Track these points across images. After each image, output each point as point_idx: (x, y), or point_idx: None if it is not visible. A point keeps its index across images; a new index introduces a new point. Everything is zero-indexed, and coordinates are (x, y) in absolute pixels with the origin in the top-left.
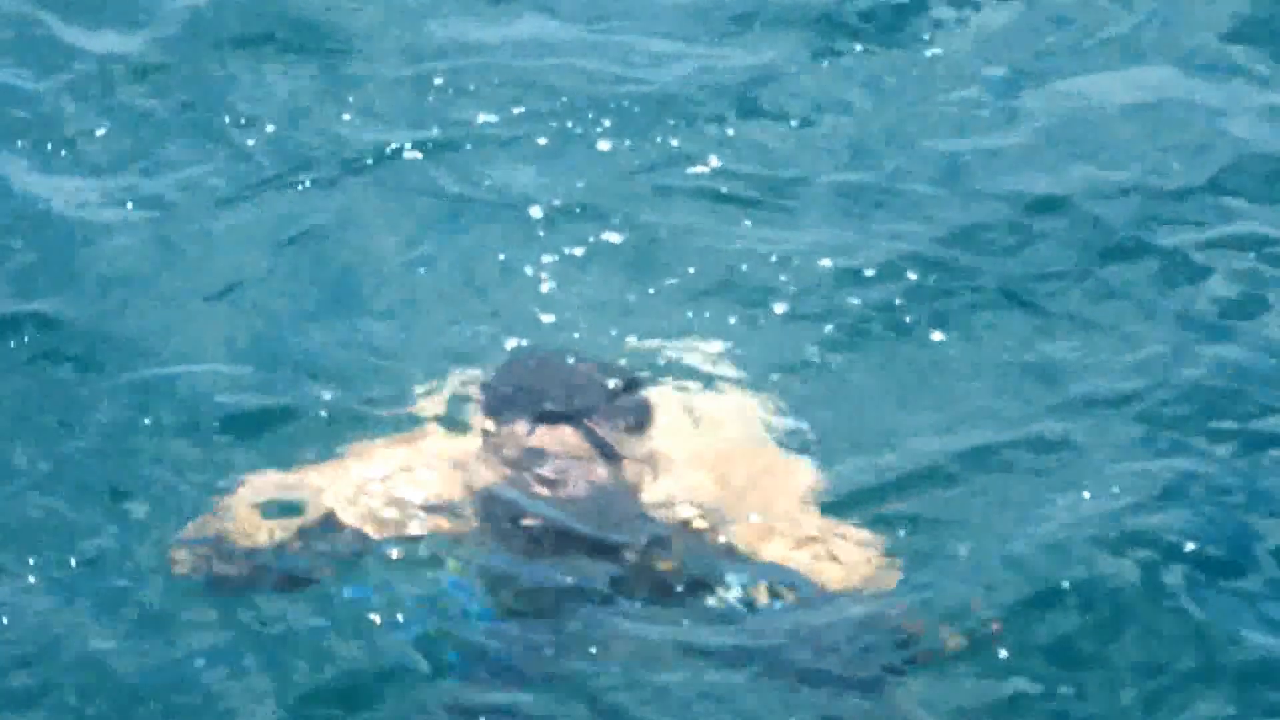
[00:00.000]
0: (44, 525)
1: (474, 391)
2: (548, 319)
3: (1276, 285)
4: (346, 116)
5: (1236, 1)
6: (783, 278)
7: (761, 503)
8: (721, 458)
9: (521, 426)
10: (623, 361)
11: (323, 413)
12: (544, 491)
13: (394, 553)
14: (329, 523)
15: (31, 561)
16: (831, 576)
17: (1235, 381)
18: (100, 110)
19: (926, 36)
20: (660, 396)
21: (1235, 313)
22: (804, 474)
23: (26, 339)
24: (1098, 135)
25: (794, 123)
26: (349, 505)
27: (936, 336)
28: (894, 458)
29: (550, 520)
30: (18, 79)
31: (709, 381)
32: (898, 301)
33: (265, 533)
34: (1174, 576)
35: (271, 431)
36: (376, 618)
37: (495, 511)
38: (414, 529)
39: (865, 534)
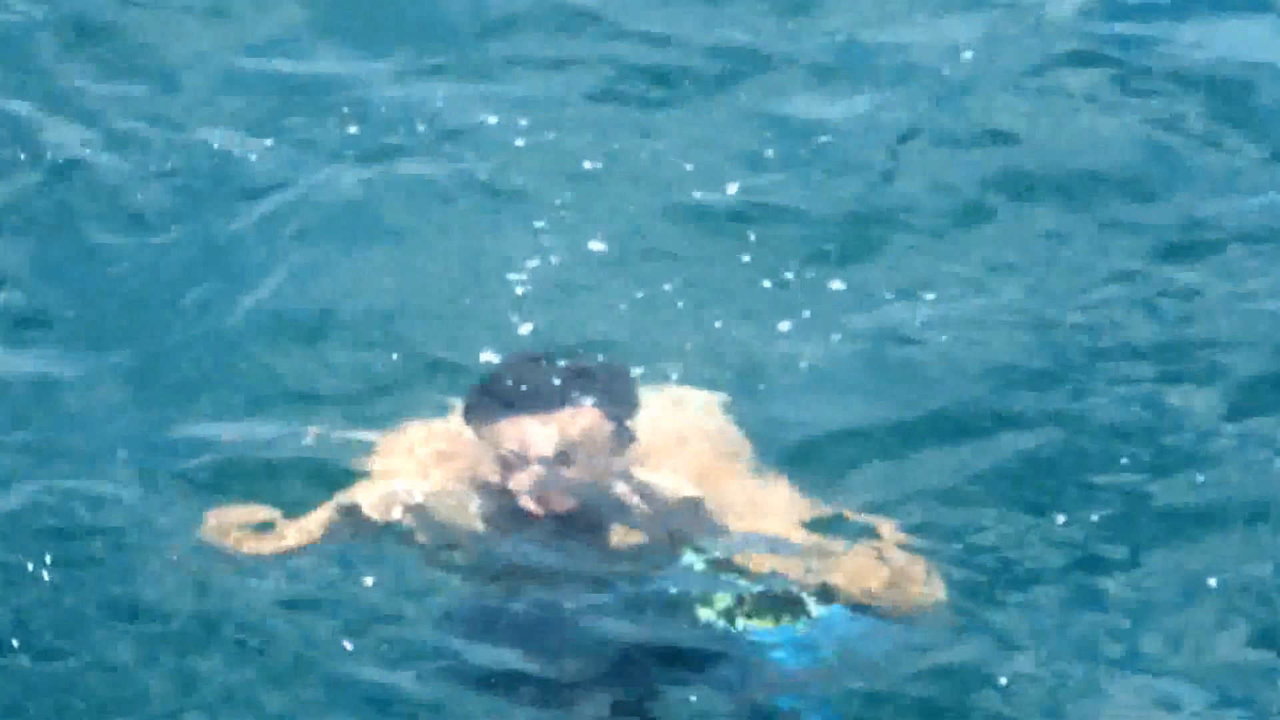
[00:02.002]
0: (68, 499)
1: (469, 387)
2: (544, 320)
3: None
4: (344, 112)
5: None
6: (779, 268)
7: (751, 487)
8: (710, 447)
9: (515, 422)
10: (615, 359)
11: (315, 412)
12: (538, 484)
13: (386, 549)
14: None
15: (56, 540)
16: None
17: (1230, 357)
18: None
19: (924, 16)
20: (651, 391)
21: (1231, 292)
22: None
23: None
24: (1100, 110)
25: (788, 116)
26: (345, 499)
27: (937, 333)
28: (886, 451)
29: (544, 512)
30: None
31: (698, 377)
32: (894, 293)
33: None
34: (1172, 556)
35: (259, 427)
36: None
37: (488, 505)
38: (405, 523)
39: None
